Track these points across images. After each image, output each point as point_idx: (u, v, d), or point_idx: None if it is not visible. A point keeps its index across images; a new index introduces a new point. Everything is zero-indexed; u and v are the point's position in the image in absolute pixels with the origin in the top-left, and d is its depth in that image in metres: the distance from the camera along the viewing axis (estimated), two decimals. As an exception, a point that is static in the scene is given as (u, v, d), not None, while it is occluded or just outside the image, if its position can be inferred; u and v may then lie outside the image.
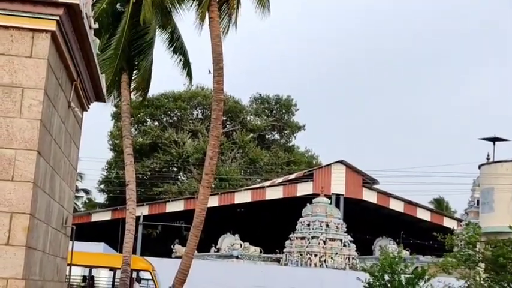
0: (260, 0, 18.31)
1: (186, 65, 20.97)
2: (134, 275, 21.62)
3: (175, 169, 72.25)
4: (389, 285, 19.87)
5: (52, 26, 6.59)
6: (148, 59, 19.59)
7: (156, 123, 70.94)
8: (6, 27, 6.55)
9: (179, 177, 72.67)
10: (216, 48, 17.58)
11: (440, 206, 67.11)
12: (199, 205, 18.12)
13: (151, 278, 22.74)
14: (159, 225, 51.60)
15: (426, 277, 19.33)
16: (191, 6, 19.44)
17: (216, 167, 19.05)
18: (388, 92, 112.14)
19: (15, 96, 6.49)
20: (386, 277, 19.67)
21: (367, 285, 20.18)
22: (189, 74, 21.31)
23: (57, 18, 6.58)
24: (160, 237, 59.43)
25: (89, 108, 9.65)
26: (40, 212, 6.85)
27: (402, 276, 19.86)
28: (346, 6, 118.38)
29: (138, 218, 33.18)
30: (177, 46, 20.73)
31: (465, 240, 16.36)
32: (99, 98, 9.71)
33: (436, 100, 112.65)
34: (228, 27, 18.76)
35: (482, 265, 16.51)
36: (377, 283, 19.90)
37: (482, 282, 15.29)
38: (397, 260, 19.75)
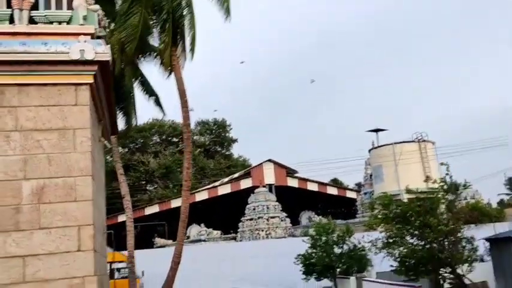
0: (191, 48, 17.77)
1: (158, 102, 20.77)
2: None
3: (144, 182, 70.84)
4: (325, 243, 20.03)
5: (90, 79, 6.34)
6: (131, 105, 19.20)
7: (126, 150, 69.35)
8: (54, 84, 6.25)
9: (147, 188, 71.30)
10: (180, 86, 17.20)
11: (336, 183, 68.38)
12: (183, 204, 17.61)
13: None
14: (140, 225, 50.31)
15: (350, 234, 19.62)
16: (154, 57, 19.07)
17: (189, 175, 18.55)
18: (300, 104, 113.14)
19: (69, 136, 6.19)
20: (323, 238, 19.84)
21: (310, 244, 20.25)
22: (162, 109, 21.10)
23: (94, 73, 6.33)
24: (140, 234, 58.06)
25: (108, 140, 9.30)
26: (96, 222, 6.54)
27: (332, 235, 20.07)
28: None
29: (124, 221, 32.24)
30: (148, 90, 20.41)
31: (382, 204, 16.62)
32: (114, 132, 9.37)
33: (334, 106, 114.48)
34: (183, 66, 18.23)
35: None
36: (317, 243, 20.03)
37: (396, 231, 15.58)
38: (328, 225, 19.98)
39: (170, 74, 17.59)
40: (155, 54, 18.82)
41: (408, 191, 26.70)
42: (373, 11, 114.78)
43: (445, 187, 16.01)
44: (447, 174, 15.67)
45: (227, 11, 16.86)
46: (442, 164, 17.95)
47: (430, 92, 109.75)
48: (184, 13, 16.28)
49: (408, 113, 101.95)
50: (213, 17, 18.36)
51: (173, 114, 70.64)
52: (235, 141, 70.85)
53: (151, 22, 16.32)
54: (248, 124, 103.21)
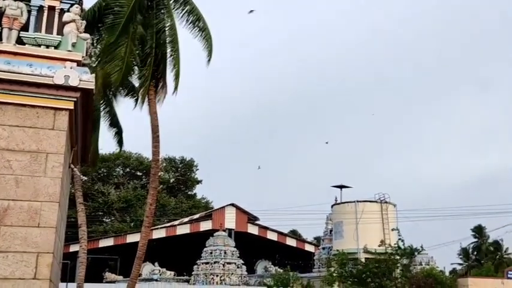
0: (175, 85, 17.90)
1: (119, 136, 20.71)
2: None
3: (101, 213, 69.05)
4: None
5: (70, 105, 6.32)
6: (94, 136, 18.95)
7: (86, 178, 67.81)
8: (33, 106, 6.21)
9: (104, 219, 69.49)
10: (154, 121, 17.21)
11: (295, 235, 68.04)
12: (142, 240, 17.28)
13: None
14: (92, 257, 48.65)
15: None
16: (129, 94, 19.14)
17: (152, 212, 18.27)
18: (264, 150, 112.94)
19: (41, 160, 6.10)
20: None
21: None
22: (120, 142, 21.08)
23: (75, 99, 6.32)
24: (91, 266, 56.03)
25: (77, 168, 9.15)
26: (56, 251, 6.38)
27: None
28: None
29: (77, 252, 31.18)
30: (112, 122, 20.32)
31: (338, 261, 16.65)
32: (85, 161, 9.26)
33: (302, 154, 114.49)
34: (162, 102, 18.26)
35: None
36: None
37: (351, 291, 15.58)
38: (287, 276, 19.81)
39: (150, 108, 17.60)
40: (130, 85, 18.89)
41: (366, 251, 26.85)
42: (344, 66, 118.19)
43: (399, 251, 16.26)
44: (400, 239, 15.97)
45: (210, 54, 17.16)
46: (393, 229, 18.28)
47: (400, 154, 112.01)
48: (168, 49, 16.50)
49: (374, 173, 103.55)
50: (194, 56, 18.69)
51: (139, 147, 69.56)
52: (199, 182, 70.32)
53: (136, 55, 16.45)
54: (214, 165, 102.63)
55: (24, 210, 5.89)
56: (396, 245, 16.11)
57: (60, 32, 6.58)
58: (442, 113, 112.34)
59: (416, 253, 15.82)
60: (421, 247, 18.32)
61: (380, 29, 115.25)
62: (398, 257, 16.50)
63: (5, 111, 6.08)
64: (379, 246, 16.58)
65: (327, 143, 58.57)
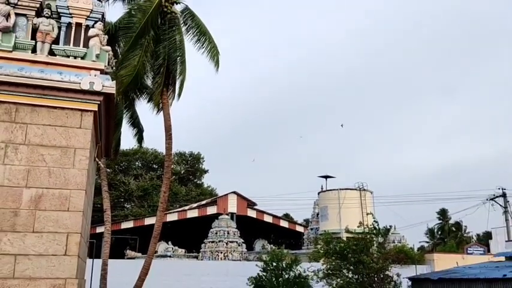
0: (179, 90, 17.80)
1: (140, 135, 20.53)
2: None
3: (122, 200, 68.95)
4: (275, 268, 19.68)
5: (95, 107, 6.29)
6: (117, 134, 18.81)
7: (110, 170, 67.62)
8: (63, 108, 6.19)
9: (125, 205, 69.40)
10: (167, 122, 17.08)
11: (288, 217, 68.00)
12: (157, 223, 17.24)
13: None
14: (115, 237, 48.54)
15: (297, 263, 19.37)
16: (147, 95, 19.03)
17: (165, 199, 18.22)
18: (262, 147, 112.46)
19: (69, 154, 6.08)
20: (274, 264, 19.52)
21: (262, 269, 19.90)
22: (140, 140, 20.88)
23: (99, 102, 6.30)
24: (114, 245, 55.91)
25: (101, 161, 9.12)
26: (83, 231, 6.36)
27: (282, 263, 19.78)
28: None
29: (102, 232, 31.15)
30: (134, 122, 20.19)
31: (324, 241, 16.65)
32: (108, 155, 9.23)
33: (293, 149, 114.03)
34: (171, 105, 18.20)
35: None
36: (268, 268, 19.69)
37: (335, 265, 15.56)
38: (280, 253, 19.73)
39: (159, 111, 17.57)
40: (148, 92, 18.79)
41: (347, 231, 26.89)
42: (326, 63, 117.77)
43: (375, 231, 16.28)
44: (374, 221, 15.98)
45: (217, 63, 17.07)
46: (368, 214, 18.24)
47: (379, 146, 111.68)
48: (177, 60, 16.45)
49: (356, 164, 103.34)
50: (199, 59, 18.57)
51: (154, 143, 69.43)
52: (206, 171, 70.26)
53: (149, 65, 16.37)
54: (219, 156, 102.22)
55: (56, 196, 5.87)
56: (372, 226, 16.11)
57: (85, 45, 6.55)
58: (415, 115, 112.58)
59: (389, 233, 15.82)
60: (394, 227, 18.38)
61: (356, 35, 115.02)
62: (373, 236, 16.48)
63: (39, 113, 6.06)
64: (358, 227, 16.56)
65: (342, 125, 55.91)
